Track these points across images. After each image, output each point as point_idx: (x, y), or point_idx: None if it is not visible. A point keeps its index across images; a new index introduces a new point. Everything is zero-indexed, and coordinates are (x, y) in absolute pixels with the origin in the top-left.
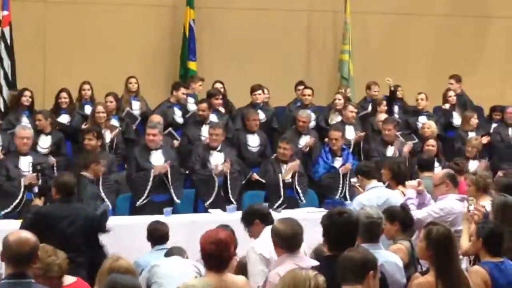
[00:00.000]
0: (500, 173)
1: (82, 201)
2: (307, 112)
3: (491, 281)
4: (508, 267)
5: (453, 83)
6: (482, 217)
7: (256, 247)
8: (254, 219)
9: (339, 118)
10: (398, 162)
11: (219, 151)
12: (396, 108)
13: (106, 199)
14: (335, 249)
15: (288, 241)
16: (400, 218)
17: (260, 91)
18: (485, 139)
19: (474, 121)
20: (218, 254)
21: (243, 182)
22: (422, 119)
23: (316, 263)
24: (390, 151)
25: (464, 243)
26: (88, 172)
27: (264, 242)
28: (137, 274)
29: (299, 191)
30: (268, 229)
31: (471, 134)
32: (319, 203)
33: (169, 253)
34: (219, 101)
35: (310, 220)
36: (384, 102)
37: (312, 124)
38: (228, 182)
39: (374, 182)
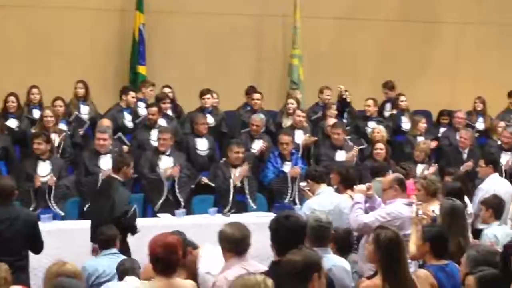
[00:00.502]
0: (447, 178)
1: (114, 203)
2: (260, 116)
3: (437, 284)
4: (453, 270)
5: (387, 92)
6: (431, 221)
7: None
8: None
9: (291, 122)
10: (347, 166)
11: (168, 155)
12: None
13: None
14: (283, 253)
15: (236, 244)
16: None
17: (209, 95)
18: (433, 144)
19: (422, 125)
20: (166, 257)
21: (193, 186)
22: (371, 124)
23: (264, 267)
24: (339, 155)
25: (413, 247)
26: (119, 175)
27: None
28: (83, 279)
29: (248, 196)
30: None
31: (420, 139)
32: (268, 207)
33: (121, 270)
34: (166, 105)
35: (259, 224)
36: (334, 107)
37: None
38: (177, 186)
39: (324, 187)
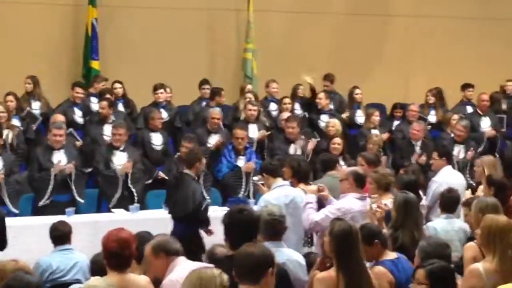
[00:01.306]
0: (401, 171)
1: (186, 198)
2: (218, 109)
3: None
4: (404, 264)
5: (328, 84)
6: (385, 214)
7: None
8: None
9: None
10: (299, 160)
11: (122, 150)
12: (297, 106)
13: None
14: (237, 247)
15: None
16: None
17: (162, 90)
18: (385, 136)
19: (376, 118)
20: (120, 252)
21: (149, 181)
22: (325, 118)
23: (209, 265)
24: (293, 149)
25: None
26: (192, 170)
27: None
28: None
29: (203, 191)
30: None
31: (374, 132)
32: (223, 201)
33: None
34: (111, 100)
35: (214, 218)
36: (288, 100)
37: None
38: (129, 181)
39: (279, 181)
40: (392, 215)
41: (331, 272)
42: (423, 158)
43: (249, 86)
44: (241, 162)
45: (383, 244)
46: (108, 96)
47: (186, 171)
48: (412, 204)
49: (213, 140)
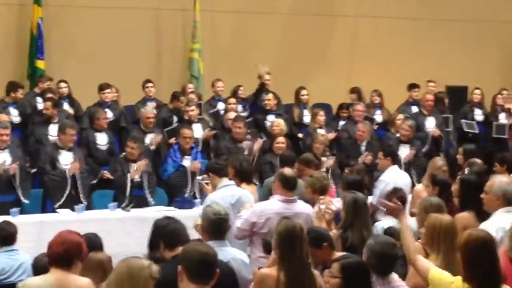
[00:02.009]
0: (346, 170)
1: None
2: (150, 109)
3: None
4: None
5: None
6: (334, 215)
7: None
8: None
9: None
10: (241, 160)
11: (68, 150)
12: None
13: None
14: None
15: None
16: None
17: (109, 90)
18: (331, 135)
19: (321, 118)
20: (62, 252)
21: (95, 181)
22: (271, 118)
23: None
24: (239, 149)
25: None
26: None
27: None
28: None
29: (148, 191)
30: None
31: (320, 131)
32: (169, 201)
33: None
34: (54, 100)
35: None
36: (233, 100)
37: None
38: (79, 181)
39: (225, 180)
40: (342, 215)
41: (273, 270)
42: (369, 158)
43: (190, 86)
44: (186, 162)
45: (331, 246)
46: (50, 95)
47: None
48: (361, 204)
49: (148, 139)
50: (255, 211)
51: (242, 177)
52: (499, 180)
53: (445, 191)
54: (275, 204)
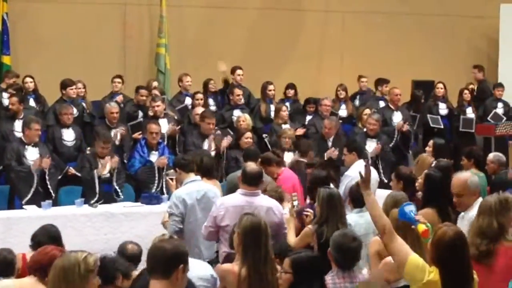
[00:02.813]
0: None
1: None
2: (115, 104)
3: None
4: None
5: (239, 74)
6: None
7: None
8: None
9: None
10: (202, 155)
11: (34, 146)
12: (211, 101)
13: None
14: None
15: None
16: None
17: (77, 86)
18: (300, 131)
19: (284, 113)
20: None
21: (60, 177)
22: (237, 113)
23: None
24: (206, 144)
25: (291, 238)
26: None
27: None
28: None
29: (117, 187)
30: None
31: (285, 126)
32: (136, 197)
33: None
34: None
35: (127, 214)
36: (200, 96)
37: None
38: (46, 177)
39: (191, 176)
40: (317, 211)
41: (235, 266)
42: (335, 153)
43: (155, 83)
44: (154, 157)
45: None
46: (15, 91)
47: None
48: (335, 199)
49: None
50: (216, 205)
51: (203, 172)
52: (468, 179)
53: (410, 186)
54: (236, 197)
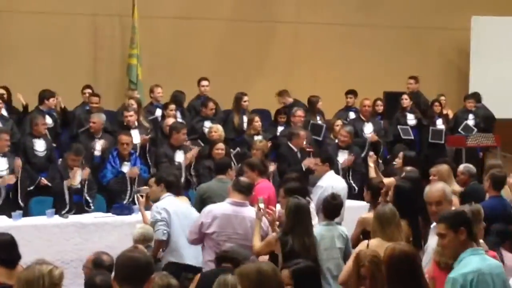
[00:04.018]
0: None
1: None
2: (99, 115)
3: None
4: None
5: (204, 85)
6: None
7: None
8: None
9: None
10: (169, 173)
11: (3, 156)
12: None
13: None
14: None
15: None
16: None
17: (53, 99)
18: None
19: (256, 124)
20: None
21: (31, 187)
22: (208, 124)
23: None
24: (178, 155)
25: (256, 242)
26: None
27: None
28: None
29: (88, 198)
30: None
31: (257, 138)
32: (107, 207)
33: None
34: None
35: (98, 225)
36: (173, 106)
37: None
38: (19, 187)
39: (167, 193)
40: (284, 220)
41: None
42: (314, 162)
43: (129, 93)
44: (125, 168)
45: None
46: None
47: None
48: (303, 210)
49: (98, 145)
50: (203, 212)
51: (170, 190)
52: (445, 189)
53: (377, 196)
54: (224, 206)
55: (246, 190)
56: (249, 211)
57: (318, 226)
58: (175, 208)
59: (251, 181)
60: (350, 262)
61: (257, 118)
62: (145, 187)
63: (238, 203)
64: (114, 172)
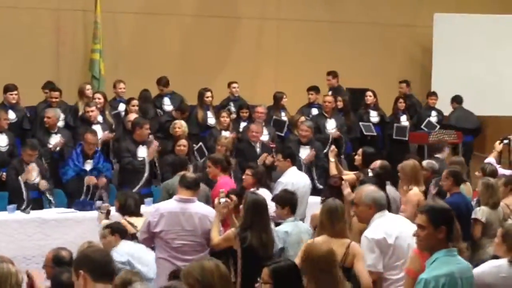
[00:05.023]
0: (248, 172)
1: None
2: (54, 110)
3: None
4: None
5: (163, 89)
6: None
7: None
8: None
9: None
10: (127, 195)
11: None
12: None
13: None
14: None
15: None
16: None
17: (15, 92)
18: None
19: (226, 120)
20: None
21: None
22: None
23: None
24: (141, 151)
25: (215, 235)
26: None
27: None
28: None
29: (47, 194)
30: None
31: (224, 133)
32: (68, 203)
33: None
34: None
35: (59, 220)
36: (136, 102)
37: (61, 123)
38: None
39: None
40: (241, 215)
41: None
42: (270, 159)
43: (88, 87)
44: (88, 165)
45: None
46: None
47: None
48: (261, 206)
49: (53, 140)
50: (151, 211)
51: (126, 211)
52: (365, 190)
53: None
54: (171, 203)
55: (193, 186)
56: (197, 207)
57: (286, 223)
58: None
59: (213, 176)
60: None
61: (224, 114)
62: (106, 204)
63: (185, 199)
64: (76, 170)
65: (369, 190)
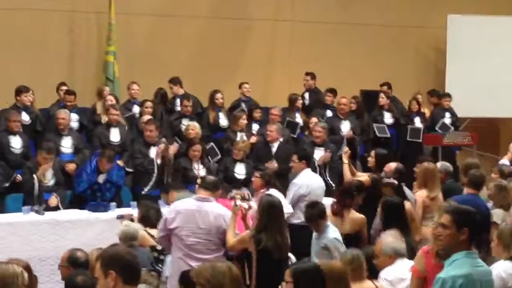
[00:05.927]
0: (257, 174)
1: None
2: (65, 111)
3: None
4: None
5: (172, 86)
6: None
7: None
8: None
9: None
10: (149, 206)
11: None
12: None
13: None
14: None
15: None
16: None
17: (29, 93)
18: (254, 139)
19: (243, 122)
20: None
21: (7, 184)
22: (185, 121)
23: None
24: (152, 152)
25: (230, 237)
26: None
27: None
28: None
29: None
30: None
31: (240, 135)
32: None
33: None
34: None
35: (74, 222)
36: (149, 104)
37: (76, 125)
38: None
39: None
40: (257, 217)
41: None
42: (275, 165)
43: (107, 89)
44: (101, 178)
45: None
46: None
47: None
48: (276, 208)
49: (66, 142)
50: (169, 208)
51: (147, 223)
52: (385, 241)
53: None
54: (188, 202)
55: (211, 187)
56: (212, 206)
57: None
58: None
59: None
60: None
61: (244, 116)
62: (128, 212)
63: (202, 198)
64: (89, 182)
65: (389, 240)
